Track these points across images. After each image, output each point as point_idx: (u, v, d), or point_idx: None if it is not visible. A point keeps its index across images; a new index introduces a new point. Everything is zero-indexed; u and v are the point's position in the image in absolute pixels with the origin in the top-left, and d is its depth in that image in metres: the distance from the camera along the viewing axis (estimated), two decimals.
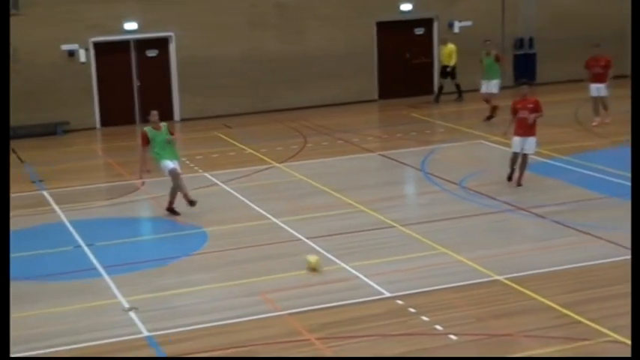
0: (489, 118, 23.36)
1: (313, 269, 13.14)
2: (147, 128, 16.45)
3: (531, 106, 17.18)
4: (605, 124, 22.10)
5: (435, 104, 26.56)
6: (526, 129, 17.12)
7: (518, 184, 17.27)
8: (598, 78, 22.10)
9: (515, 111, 17.39)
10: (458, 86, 26.61)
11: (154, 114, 16.43)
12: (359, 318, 11.60)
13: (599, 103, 22.31)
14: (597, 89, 22.19)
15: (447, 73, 26.74)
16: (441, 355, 10.47)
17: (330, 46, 26.58)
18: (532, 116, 17.08)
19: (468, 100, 26.40)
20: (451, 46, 26.51)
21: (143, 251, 14.90)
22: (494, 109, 23.41)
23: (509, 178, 17.47)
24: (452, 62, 26.51)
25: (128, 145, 22.50)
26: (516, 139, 17.25)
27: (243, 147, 21.99)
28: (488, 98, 23.74)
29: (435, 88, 27.37)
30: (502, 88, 25.14)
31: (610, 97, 22.27)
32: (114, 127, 25.00)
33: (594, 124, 22.10)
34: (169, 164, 16.25)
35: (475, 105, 25.47)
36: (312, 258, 13.32)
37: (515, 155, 17.36)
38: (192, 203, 16.26)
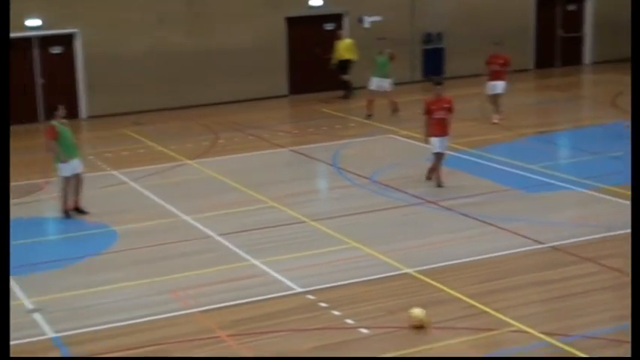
0: (369, 116, 23.50)
1: (420, 325, 10.97)
2: (54, 122, 16.19)
3: (447, 105, 17.01)
4: (496, 123, 22.17)
5: (345, 100, 26.62)
6: (444, 129, 17.01)
7: (439, 185, 17.04)
8: (496, 75, 22.18)
9: (430, 112, 17.08)
10: (347, 83, 26.55)
11: (61, 108, 16.17)
12: (270, 314, 11.63)
13: (497, 100, 22.48)
14: (494, 87, 22.26)
15: (343, 67, 26.57)
16: (352, 348, 10.59)
17: (240, 41, 26.52)
18: (449, 116, 17.01)
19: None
20: (348, 41, 26.44)
21: (49, 251, 14.63)
22: (394, 104, 23.64)
23: (429, 178, 17.34)
24: (350, 57, 26.32)
25: (31, 144, 22.09)
26: (436, 140, 17.01)
27: (153, 144, 21.80)
28: (373, 98, 23.79)
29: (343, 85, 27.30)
30: (410, 83, 25.50)
31: (505, 94, 22.43)
32: (17, 125, 24.47)
33: (495, 121, 22.22)
34: (74, 167, 16.06)
35: (384, 100, 25.74)
36: (418, 313, 11.02)
37: (437, 155, 17.13)
38: (80, 211, 16.11)
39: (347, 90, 26.69)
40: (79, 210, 16.24)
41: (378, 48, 24.12)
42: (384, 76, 23.82)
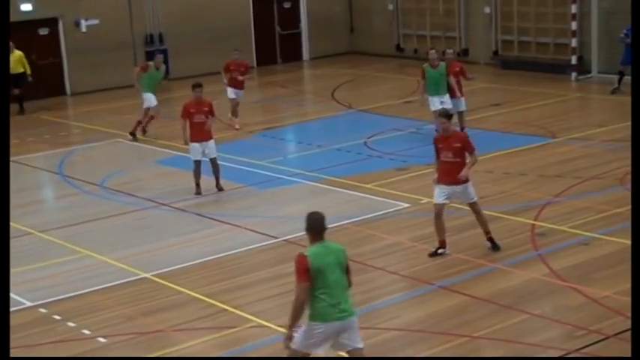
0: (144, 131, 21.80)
1: None
2: None
3: (206, 109, 16.39)
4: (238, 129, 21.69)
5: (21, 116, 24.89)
6: (205, 133, 16.34)
7: (220, 189, 16.60)
8: (238, 84, 21.59)
9: (189, 115, 16.34)
10: (21, 98, 24.89)
11: None
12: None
13: (236, 106, 21.72)
14: (236, 93, 21.67)
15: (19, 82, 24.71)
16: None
17: None
18: (209, 120, 16.43)
19: (89, 101, 26.14)
20: (18, 53, 24.85)
21: None
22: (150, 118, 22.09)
23: (199, 192, 16.45)
24: (23, 70, 24.86)
25: None
26: (196, 146, 16.33)
27: None
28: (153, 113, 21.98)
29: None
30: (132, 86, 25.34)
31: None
32: None
33: (237, 127, 21.52)
34: None
35: (106, 105, 25.37)
36: None
37: (198, 163, 16.44)
38: None
39: (21, 105, 24.99)
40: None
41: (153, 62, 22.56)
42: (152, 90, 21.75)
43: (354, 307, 8.71)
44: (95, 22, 27.58)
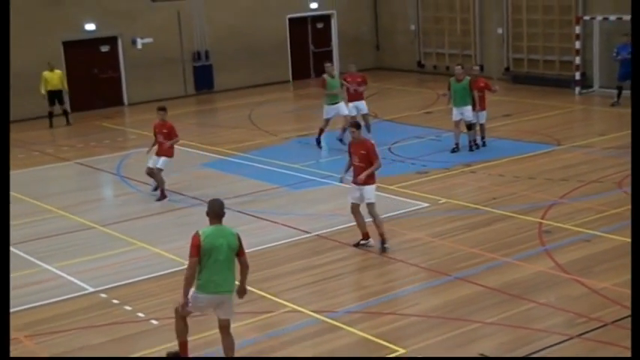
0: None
1: None
2: None
3: (165, 131, 16.32)
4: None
5: (51, 128, 24.44)
6: (163, 150, 16.29)
7: (163, 197, 16.30)
8: (356, 96, 20.01)
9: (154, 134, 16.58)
10: (66, 112, 24.85)
11: None
12: (65, 313, 11.28)
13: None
14: (356, 107, 19.99)
15: (55, 97, 24.46)
16: (144, 338, 10.42)
17: (18, 65, 25.35)
18: (168, 143, 16.22)
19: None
20: (59, 72, 24.68)
21: None
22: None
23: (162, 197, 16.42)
24: (63, 87, 24.68)
25: None
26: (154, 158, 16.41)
27: None
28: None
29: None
30: (183, 97, 25.33)
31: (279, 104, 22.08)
32: None
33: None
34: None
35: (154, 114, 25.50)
36: None
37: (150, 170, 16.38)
38: None
39: (67, 118, 24.81)
40: None
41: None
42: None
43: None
44: (149, 40, 27.72)
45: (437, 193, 15.74)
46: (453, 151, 18.82)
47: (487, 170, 17.33)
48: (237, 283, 9.32)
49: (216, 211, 9.09)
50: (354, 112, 19.77)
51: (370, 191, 12.92)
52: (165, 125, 16.46)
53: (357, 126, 13.26)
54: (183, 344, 9.51)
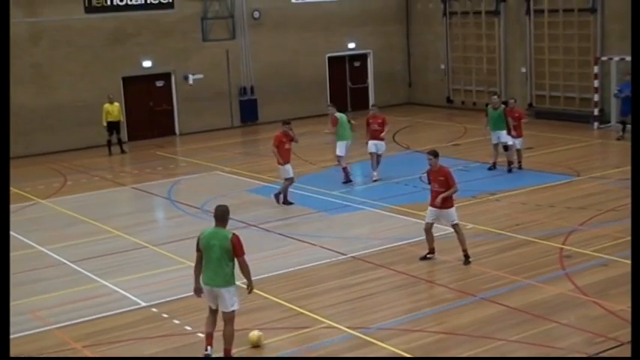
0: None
1: (256, 344, 10.50)
2: None
3: (285, 140, 17.61)
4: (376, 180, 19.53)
5: (110, 156, 24.62)
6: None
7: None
8: (375, 135, 19.39)
9: (281, 143, 17.55)
10: (121, 141, 25.01)
11: None
12: (119, 326, 11.32)
13: (374, 159, 19.48)
14: (375, 146, 19.38)
15: (114, 128, 24.68)
16: (192, 350, 10.41)
17: (83, 97, 25.83)
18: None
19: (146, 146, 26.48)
20: (117, 104, 24.82)
21: None
22: None
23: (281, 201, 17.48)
24: (120, 119, 24.89)
25: None
26: (289, 167, 17.56)
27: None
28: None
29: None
30: (230, 128, 25.37)
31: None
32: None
33: (374, 179, 19.40)
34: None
35: (206, 143, 25.73)
36: (255, 336, 10.57)
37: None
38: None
39: (121, 147, 24.98)
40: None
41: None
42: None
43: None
44: (200, 76, 28.00)
45: (464, 219, 15.57)
46: (490, 169, 19.58)
47: (511, 199, 17.18)
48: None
49: (217, 216, 9.72)
50: (373, 150, 19.41)
51: (452, 214, 13.19)
52: (287, 135, 17.71)
53: (435, 154, 13.23)
54: (208, 336, 9.90)
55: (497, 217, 15.84)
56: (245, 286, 9.98)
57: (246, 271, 9.68)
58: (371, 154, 19.46)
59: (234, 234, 9.64)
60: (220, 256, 9.53)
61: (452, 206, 13.19)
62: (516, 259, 13.23)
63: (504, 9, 28.45)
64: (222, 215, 9.71)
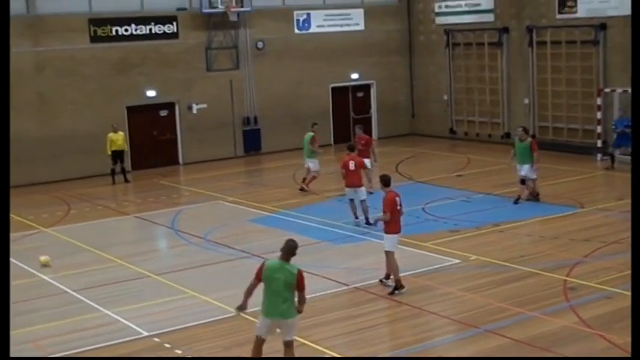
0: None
1: (45, 264, 15.52)
2: None
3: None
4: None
5: (113, 185, 24.74)
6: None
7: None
8: (361, 154, 20.25)
9: (345, 166, 18.14)
10: (124, 170, 25.11)
11: None
12: (121, 355, 11.28)
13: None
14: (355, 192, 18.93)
15: (118, 157, 24.79)
16: None
17: (87, 126, 25.94)
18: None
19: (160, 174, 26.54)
20: (122, 134, 24.97)
21: None
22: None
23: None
24: (125, 148, 24.96)
25: None
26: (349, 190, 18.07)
27: (12, 215, 20.73)
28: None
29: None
30: (234, 157, 25.38)
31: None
32: None
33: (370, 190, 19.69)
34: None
35: (209, 173, 25.77)
36: (43, 258, 15.69)
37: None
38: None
39: (125, 176, 25.06)
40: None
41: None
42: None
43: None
44: (204, 106, 28.13)
45: (468, 250, 15.61)
46: (516, 202, 19.39)
47: (515, 230, 17.18)
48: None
49: (286, 249, 9.91)
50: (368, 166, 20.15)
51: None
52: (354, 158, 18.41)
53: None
54: None
55: (501, 249, 15.83)
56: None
57: (303, 304, 9.99)
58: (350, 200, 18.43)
59: (299, 270, 9.87)
60: (283, 289, 9.77)
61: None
62: (520, 291, 13.21)
63: (507, 40, 28.63)
64: (290, 250, 9.94)
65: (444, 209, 19.36)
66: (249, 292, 10.00)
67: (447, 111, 31.13)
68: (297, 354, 10.96)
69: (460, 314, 12.41)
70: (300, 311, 10.02)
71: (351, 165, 18.08)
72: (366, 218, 17.76)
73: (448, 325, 12.07)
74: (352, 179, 18.03)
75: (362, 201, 18.01)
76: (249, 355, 10.35)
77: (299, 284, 9.80)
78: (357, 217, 18.14)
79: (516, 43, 28.41)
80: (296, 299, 9.91)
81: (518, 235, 16.75)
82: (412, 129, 32.53)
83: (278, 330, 10.05)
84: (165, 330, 12.16)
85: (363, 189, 18.08)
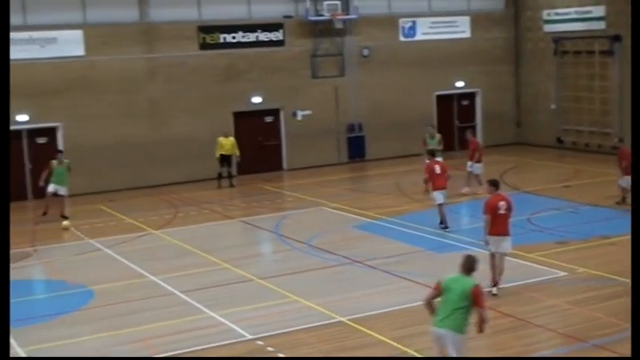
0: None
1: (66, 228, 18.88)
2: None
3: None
4: (478, 194, 21.10)
5: (219, 189, 25.16)
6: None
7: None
8: (471, 158, 22.75)
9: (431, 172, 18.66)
10: (230, 174, 25.61)
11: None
12: (225, 358, 11.46)
13: (472, 178, 22.60)
14: (471, 166, 22.62)
15: (225, 161, 25.31)
16: None
17: (195, 132, 26.56)
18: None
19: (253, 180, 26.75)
20: (232, 139, 25.43)
21: (36, 308, 14.35)
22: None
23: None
24: (235, 152, 25.34)
25: (22, 217, 21.64)
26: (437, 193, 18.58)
27: (123, 217, 21.51)
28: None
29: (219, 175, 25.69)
30: (338, 164, 25.55)
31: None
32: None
33: (463, 191, 22.15)
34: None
35: (313, 179, 25.94)
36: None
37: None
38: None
39: (230, 181, 25.58)
40: None
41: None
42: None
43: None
44: (308, 112, 28.36)
45: (575, 263, 15.21)
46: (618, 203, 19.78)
47: (626, 243, 16.61)
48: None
49: (464, 264, 9.85)
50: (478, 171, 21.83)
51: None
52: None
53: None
54: None
55: (610, 262, 15.33)
56: None
57: (482, 319, 9.54)
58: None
59: (477, 284, 9.53)
60: (458, 301, 9.40)
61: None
62: (630, 306, 12.74)
63: (619, 49, 27.80)
64: (468, 265, 9.79)
65: (550, 220, 18.92)
66: (425, 300, 9.83)
67: (555, 120, 30.42)
68: None
69: (566, 327, 12.10)
70: (479, 331, 9.59)
71: (437, 169, 18.50)
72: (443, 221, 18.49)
73: (555, 338, 11.78)
74: (440, 182, 18.49)
75: (441, 204, 18.51)
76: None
77: (476, 299, 9.37)
78: (446, 227, 18.28)
79: (629, 50, 27.51)
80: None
81: (629, 249, 16.17)
82: (517, 138, 31.94)
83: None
84: (269, 333, 12.28)
85: (445, 192, 18.66)
